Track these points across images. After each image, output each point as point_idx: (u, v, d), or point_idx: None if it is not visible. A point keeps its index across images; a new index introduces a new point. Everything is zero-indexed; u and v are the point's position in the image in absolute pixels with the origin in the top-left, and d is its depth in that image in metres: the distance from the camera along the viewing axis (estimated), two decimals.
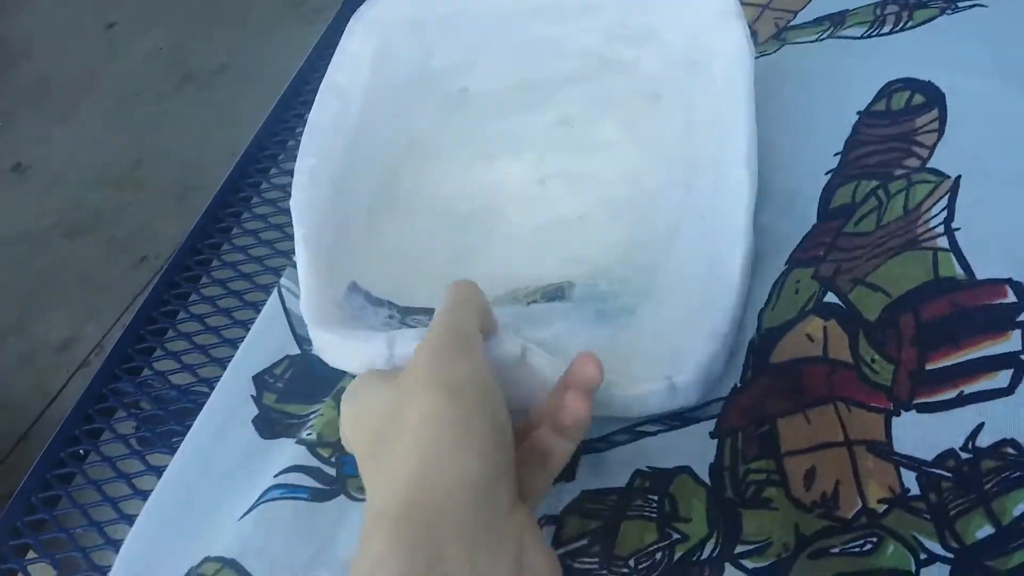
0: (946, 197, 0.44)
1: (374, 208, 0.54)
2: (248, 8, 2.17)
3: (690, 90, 0.52)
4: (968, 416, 0.37)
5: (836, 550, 0.37)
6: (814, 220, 0.48)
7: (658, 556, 0.40)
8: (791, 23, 0.56)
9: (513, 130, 0.57)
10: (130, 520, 0.72)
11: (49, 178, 2.04)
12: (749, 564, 0.38)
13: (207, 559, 0.46)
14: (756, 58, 0.50)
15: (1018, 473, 0.36)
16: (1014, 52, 0.48)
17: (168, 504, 0.53)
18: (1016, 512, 0.35)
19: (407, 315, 0.49)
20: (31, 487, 0.80)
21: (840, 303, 0.43)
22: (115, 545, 0.73)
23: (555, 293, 0.50)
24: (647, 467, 0.42)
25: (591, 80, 0.56)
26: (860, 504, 0.38)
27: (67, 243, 1.83)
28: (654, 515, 0.41)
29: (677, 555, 0.39)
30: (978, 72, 0.48)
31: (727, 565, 0.38)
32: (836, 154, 0.49)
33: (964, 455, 0.37)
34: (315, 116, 0.53)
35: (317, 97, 0.52)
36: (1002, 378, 0.38)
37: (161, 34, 2.27)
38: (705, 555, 0.39)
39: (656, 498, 0.41)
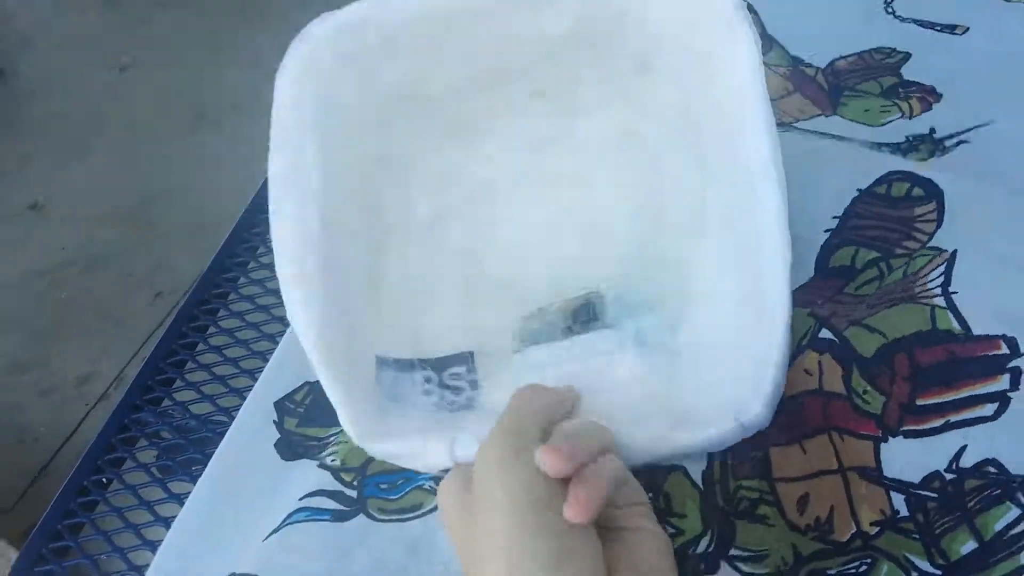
0: (943, 265, 0.46)
1: (372, 251, 0.50)
2: (259, 50, 2.22)
3: (685, 67, 0.48)
4: (952, 439, 0.39)
5: (833, 572, 0.39)
6: (811, 273, 0.49)
7: None
8: (794, 124, 0.60)
9: (484, 108, 0.52)
10: (152, 546, 0.75)
11: (65, 215, 2.08)
12: (745, 568, 0.39)
13: (232, 575, 0.48)
14: None
15: (999, 490, 0.37)
16: (1001, 167, 0.52)
17: (194, 525, 0.56)
18: (997, 527, 0.37)
19: (442, 371, 0.47)
20: (56, 515, 0.82)
21: (835, 339, 0.44)
22: (138, 571, 0.75)
23: (586, 312, 0.48)
24: (642, 464, 0.43)
25: (564, 56, 0.51)
26: (854, 528, 0.39)
27: (83, 279, 1.86)
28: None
29: (674, 546, 0.40)
30: (970, 176, 0.52)
31: (722, 563, 0.40)
32: (835, 217, 0.52)
33: (948, 476, 0.38)
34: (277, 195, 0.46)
35: (271, 157, 0.45)
36: (987, 409, 0.40)
37: (174, 74, 2.32)
38: (701, 549, 0.40)
39: (651, 494, 0.42)
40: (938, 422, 0.40)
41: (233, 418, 0.64)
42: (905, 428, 0.41)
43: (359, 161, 0.49)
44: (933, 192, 0.51)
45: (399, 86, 0.50)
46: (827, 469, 0.41)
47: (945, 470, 0.39)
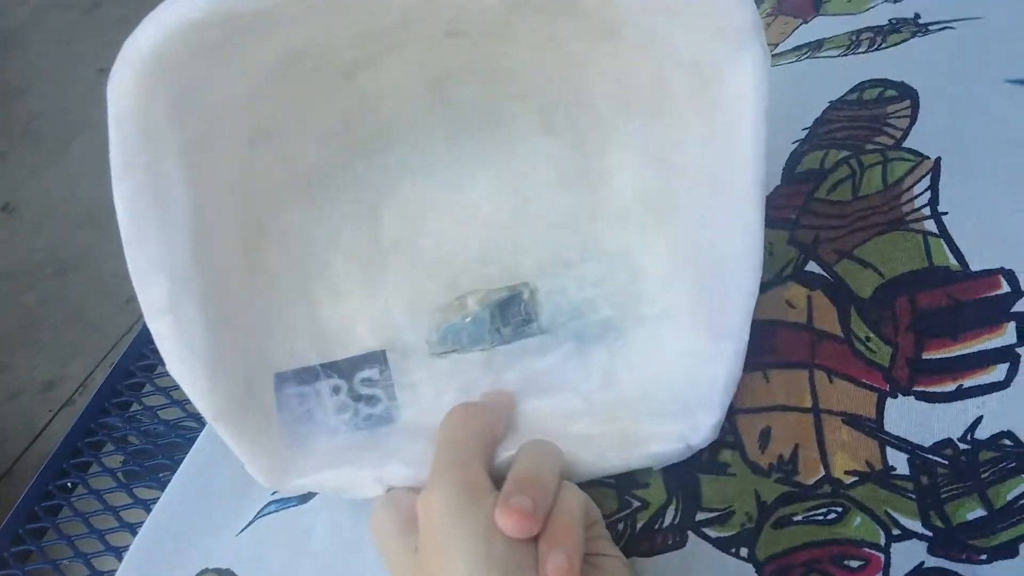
0: (927, 177, 0.43)
1: (250, 249, 0.41)
2: None
3: (660, 41, 0.38)
4: (968, 408, 0.37)
5: (799, 518, 0.37)
6: (778, 182, 0.46)
7: (620, 527, 0.39)
8: (772, 53, 0.57)
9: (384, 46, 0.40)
10: (117, 552, 0.74)
11: (38, 218, 2.06)
12: (712, 533, 0.38)
13: (205, 571, 0.47)
14: None
15: (1015, 463, 0.36)
16: (982, 60, 0.49)
17: (165, 525, 0.55)
18: (1010, 496, 0.36)
19: (352, 376, 0.42)
20: (19, 518, 0.81)
21: (825, 274, 0.42)
22: None
23: (516, 308, 0.43)
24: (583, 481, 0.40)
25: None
26: (823, 472, 0.38)
27: (54, 282, 1.84)
28: (612, 480, 0.40)
29: (640, 524, 0.39)
30: (949, 76, 0.48)
31: (689, 533, 0.38)
32: (804, 128, 0.49)
33: (963, 446, 0.37)
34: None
35: (116, 184, 0.35)
36: (999, 372, 0.38)
37: None
38: (667, 523, 0.38)
39: None
40: (951, 386, 0.38)
41: (203, 424, 0.64)
42: (916, 389, 0.38)
43: (231, 154, 0.40)
44: (907, 92, 0.48)
45: (278, 60, 0.38)
46: (794, 406, 0.39)
47: (959, 439, 0.37)
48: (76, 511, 0.79)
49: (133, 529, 0.75)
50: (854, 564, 0.36)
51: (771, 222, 0.42)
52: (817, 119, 0.49)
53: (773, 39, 0.58)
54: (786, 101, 0.52)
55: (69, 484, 0.82)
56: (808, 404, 0.39)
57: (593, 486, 0.39)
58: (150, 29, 0.33)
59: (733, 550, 0.37)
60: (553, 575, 0.31)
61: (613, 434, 0.39)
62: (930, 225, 0.41)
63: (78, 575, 0.77)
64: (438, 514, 0.32)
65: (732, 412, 0.39)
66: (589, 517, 0.36)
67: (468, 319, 0.43)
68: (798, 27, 0.58)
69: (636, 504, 0.39)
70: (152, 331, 0.36)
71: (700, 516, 0.38)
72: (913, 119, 0.46)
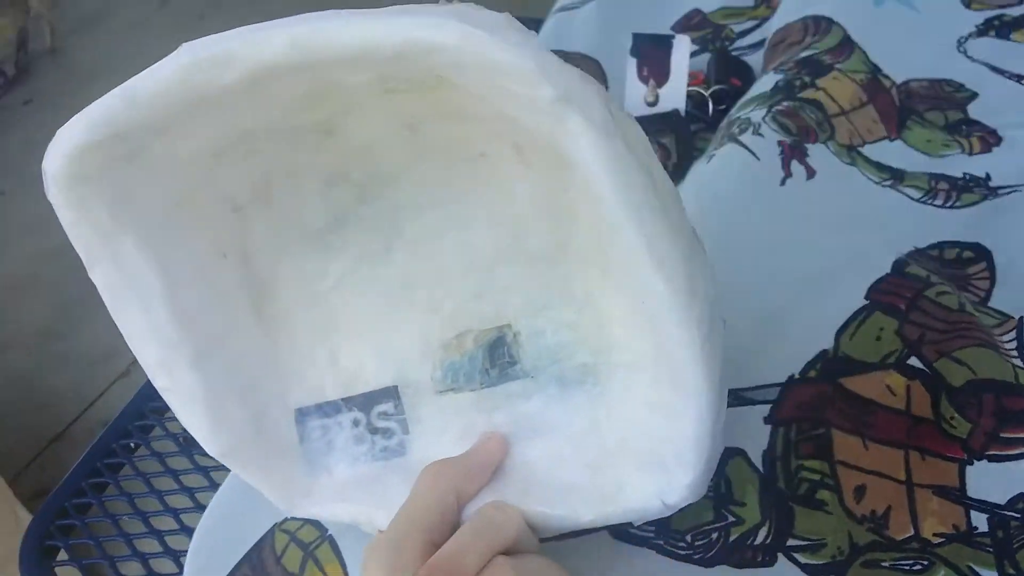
0: (1013, 332, 0.49)
1: (254, 296, 0.43)
2: None
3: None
4: None
5: (887, 564, 0.41)
6: (887, 270, 0.51)
7: (714, 536, 0.42)
8: (861, 147, 0.61)
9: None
10: (175, 512, 0.76)
11: None
12: (801, 559, 0.41)
13: (289, 519, 0.49)
14: (831, 151, 0.56)
15: None
16: None
17: (240, 482, 0.57)
18: None
19: (370, 410, 0.44)
20: (81, 473, 0.83)
21: (925, 368, 0.46)
22: (157, 534, 0.76)
23: (501, 351, 0.44)
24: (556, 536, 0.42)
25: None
26: (912, 532, 0.42)
27: None
28: (711, 494, 0.43)
29: (732, 537, 0.42)
30: (1018, 237, 0.54)
31: (780, 555, 0.41)
32: (899, 252, 0.53)
33: None
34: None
35: (91, 274, 0.38)
36: None
37: None
38: (759, 541, 0.42)
39: (712, 478, 0.41)
40: (1020, 449, 0.43)
41: None
42: (989, 453, 0.43)
43: (211, 224, 0.41)
44: (983, 254, 0.54)
45: (231, 139, 0.39)
46: (890, 476, 0.43)
47: None
48: (137, 471, 0.82)
49: (191, 493, 0.76)
50: None
51: (883, 306, 0.49)
52: (908, 253, 0.54)
53: (860, 131, 0.62)
54: (879, 224, 0.56)
55: (132, 444, 0.84)
56: (902, 477, 0.43)
57: None
58: (53, 153, 0.35)
59: None
60: None
61: (596, 487, 0.39)
62: (1019, 363, 0.47)
63: (135, 531, 0.79)
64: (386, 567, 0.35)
65: (834, 461, 0.44)
66: (525, 543, 0.37)
67: (464, 357, 0.44)
68: (882, 138, 0.61)
69: (731, 519, 0.43)
70: (161, 392, 0.39)
71: (792, 542, 0.42)
72: (992, 280, 0.53)
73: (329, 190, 0.42)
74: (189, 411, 0.39)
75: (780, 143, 0.59)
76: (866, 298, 0.50)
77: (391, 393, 0.44)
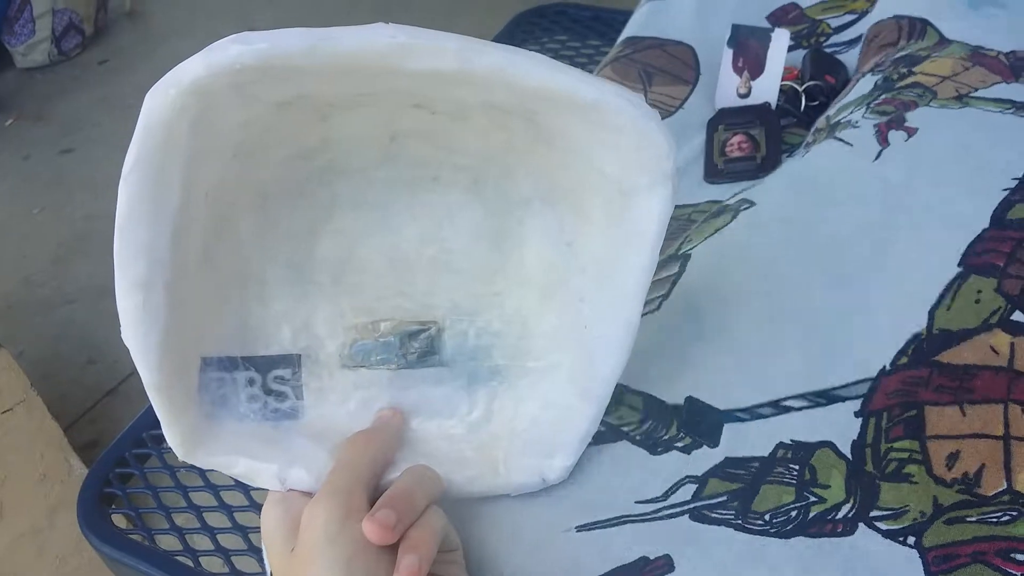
0: None
1: (210, 236, 0.45)
2: None
3: (583, 153, 0.45)
4: None
5: (973, 519, 0.40)
6: (985, 224, 0.50)
7: (793, 514, 0.42)
8: (972, 93, 0.59)
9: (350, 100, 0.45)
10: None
11: None
12: (883, 526, 0.41)
13: None
14: (934, 107, 0.53)
15: None
16: None
17: None
18: None
19: (267, 372, 0.47)
20: (142, 425, 0.84)
21: None
22: (213, 488, 0.77)
23: (424, 342, 0.49)
24: (790, 440, 0.45)
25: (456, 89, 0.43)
26: (1005, 486, 0.41)
27: None
28: (793, 482, 0.43)
29: (812, 514, 0.42)
30: None
31: (860, 524, 0.41)
32: (1014, 179, 0.52)
33: None
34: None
35: (128, 173, 0.40)
36: None
37: None
38: (840, 516, 0.42)
39: (797, 468, 0.44)
40: None
41: None
42: None
43: (215, 165, 0.44)
44: None
45: (278, 100, 0.43)
46: (987, 434, 0.43)
47: None
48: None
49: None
50: (1020, 558, 0.39)
51: (978, 268, 0.48)
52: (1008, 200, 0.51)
53: (972, 83, 0.60)
54: (998, 146, 0.54)
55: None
56: (1000, 432, 0.43)
57: (775, 484, 0.44)
58: (199, 63, 0.38)
59: (900, 539, 0.40)
60: (403, 569, 0.37)
61: (484, 462, 0.46)
62: None
63: (193, 484, 0.79)
64: (316, 530, 0.38)
65: (924, 438, 0.44)
66: (448, 543, 0.42)
67: (379, 341, 0.48)
68: (997, 83, 0.60)
69: (813, 499, 0.43)
70: (120, 306, 0.40)
71: (875, 513, 0.42)
72: None
73: (291, 162, 0.46)
74: (145, 338, 0.41)
75: (876, 125, 0.58)
76: (959, 265, 0.48)
77: (292, 360, 0.47)
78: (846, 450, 0.44)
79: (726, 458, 0.45)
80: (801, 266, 0.52)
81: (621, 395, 0.50)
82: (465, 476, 0.45)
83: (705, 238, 0.57)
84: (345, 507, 0.39)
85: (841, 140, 0.58)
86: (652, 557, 0.42)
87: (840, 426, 0.45)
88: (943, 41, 0.65)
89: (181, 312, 0.42)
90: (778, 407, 0.46)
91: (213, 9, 2.69)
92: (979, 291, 0.47)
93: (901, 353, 0.46)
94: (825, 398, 0.46)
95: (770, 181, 0.60)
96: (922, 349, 0.46)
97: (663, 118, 0.43)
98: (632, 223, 0.44)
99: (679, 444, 0.47)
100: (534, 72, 0.39)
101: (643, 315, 0.45)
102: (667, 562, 0.42)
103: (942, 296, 0.47)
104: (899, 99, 0.59)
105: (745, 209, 0.57)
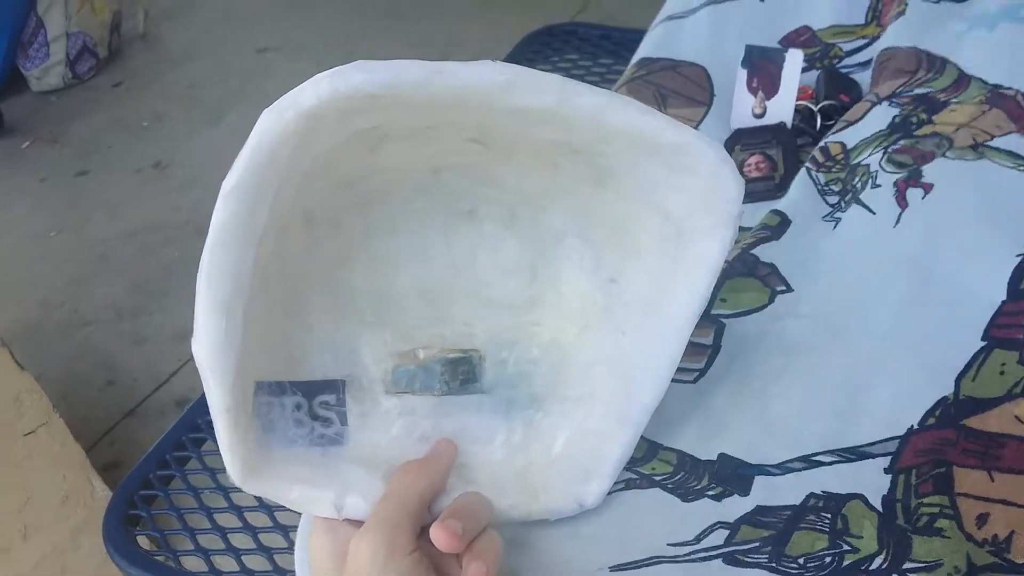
0: None
1: (268, 269, 0.45)
2: (397, 52, 2.28)
3: (643, 192, 0.46)
4: None
5: None
6: (1003, 296, 0.51)
7: (827, 559, 0.43)
8: (988, 143, 0.60)
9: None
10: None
11: (185, 178, 2.16)
12: None
13: None
14: (951, 159, 0.55)
15: None
16: None
17: None
18: None
19: (312, 397, 0.47)
20: (166, 446, 0.85)
21: None
22: (238, 510, 0.77)
23: (464, 367, 0.50)
24: (821, 491, 0.46)
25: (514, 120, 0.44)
26: None
27: (194, 241, 1.92)
28: (826, 530, 0.44)
29: (846, 562, 0.43)
30: None
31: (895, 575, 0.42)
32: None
33: None
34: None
35: (229, 191, 0.40)
36: None
37: (309, 58, 2.40)
38: (875, 567, 0.42)
39: (828, 516, 0.45)
40: None
41: None
42: None
43: (291, 189, 0.44)
44: None
45: (357, 129, 0.44)
46: (1015, 502, 0.43)
47: None
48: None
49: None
50: None
51: (1001, 341, 0.50)
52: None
53: (988, 129, 0.61)
54: (1008, 209, 0.55)
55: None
56: None
57: (807, 530, 0.44)
58: (324, 87, 0.39)
59: None
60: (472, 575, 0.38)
61: (523, 488, 0.47)
62: None
63: (216, 505, 0.80)
64: (362, 563, 0.39)
65: (953, 494, 0.44)
66: (502, 571, 0.42)
67: (421, 368, 0.49)
68: (1012, 133, 0.60)
69: (846, 547, 0.43)
70: (200, 325, 0.41)
71: (908, 565, 0.42)
72: None
73: (335, 191, 0.47)
74: (222, 359, 0.41)
75: (896, 183, 0.59)
76: (983, 339, 0.50)
77: (336, 386, 0.47)
78: (877, 503, 0.45)
79: (757, 506, 0.46)
80: (833, 342, 0.54)
81: (656, 451, 0.51)
82: (506, 503, 0.46)
83: (739, 312, 0.57)
84: (391, 542, 0.39)
85: (866, 207, 0.60)
86: None
87: (870, 481, 0.46)
88: (962, 79, 0.65)
89: (247, 337, 0.42)
90: (808, 461, 0.48)
91: (224, 33, 2.71)
92: (1003, 363, 0.49)
93: (929, 414, 0.48)
94: (855, 454, 0.47)
95: (807, 264, 0.60)
96: (949, 413, 0.47)
97: None
98: (687, 263, 0.46)
99: (711, 493, 0.48)
100: (625, 113, 0.41)
101: (680, 383, 0.47)
102: None
103: (968, 366, 0.49)
104: (918, 148, 0.60)
105: (782, 293, 0.58)
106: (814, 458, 0.48)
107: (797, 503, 0.46)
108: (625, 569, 0.45)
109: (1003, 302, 0.51)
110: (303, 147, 0.41)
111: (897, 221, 0.57)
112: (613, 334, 0.49)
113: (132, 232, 2.02)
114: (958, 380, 0.49)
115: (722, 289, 0.58)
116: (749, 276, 0.59)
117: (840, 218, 0.61)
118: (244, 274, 0.41)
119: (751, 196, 0.67)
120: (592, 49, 1.25)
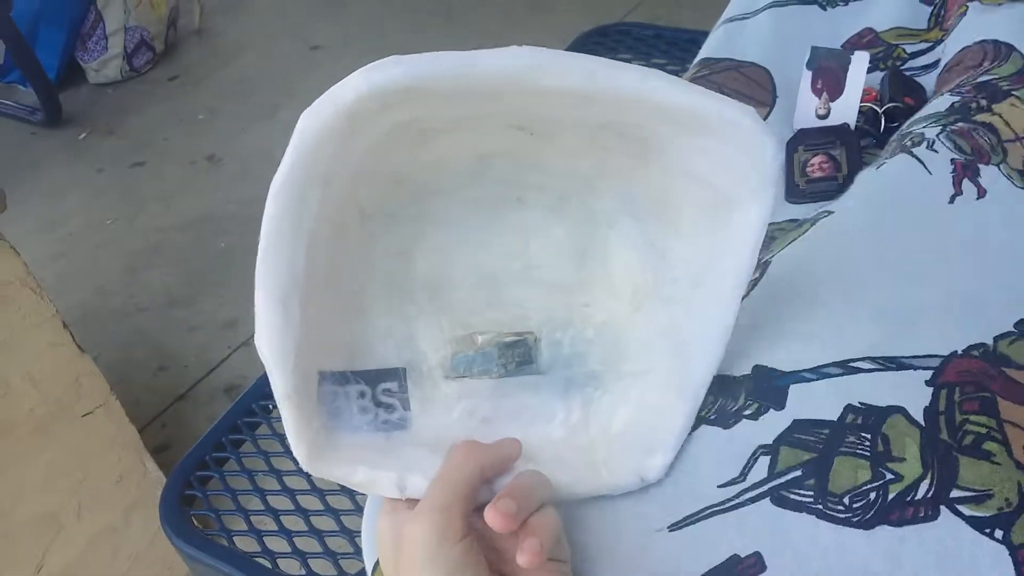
0: None
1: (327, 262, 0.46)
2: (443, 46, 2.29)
3: (688, 171, 0.47)
4: None
5: None
6: None
7: (872, 496, 0.42)
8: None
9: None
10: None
11: (238, 171, 2.19)
12: (966, 511, 0.40)
13: None
14: (1003, 174, 0.54)
15: None
16: None
17: None
18: None
19: (376, 385, 0.48)
20: (221, 430, 0.87)
21: None
22: (290, 492, 0.79)
23: (520, 350, 0.51)
24: (859, 403, 0.45)
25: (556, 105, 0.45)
26: None
27: (247, 231, 1.95)
28: (867, 454, 0.43)
29: (891, 495, 0.41)
30: None
31: (943, 508, 0.40)
32: None
33: None
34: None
35: (277, 193, 0.42)
36: None
37: (358, 56, 2.42)
38: (920, 496, 0.41)
39: (869, 436, 0.43)
40: None
41: None
42: None
43: (340, 185, 0.45)
44: None
45: (398, 122, 0.44)
46: None
47: None
48: (274, 431, 0.85)
49: None
50: None
51: None
52: None
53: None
54: None
55: (271, 406, 0.87)
56: None
57: (848, 456, 0.43)
58: (362, 81, 0.40)
59: (988, 530, 0.40)
60: (526, 551, 0.38)
61: (585, 464, 0.48)
62: None
63: (270, 488, 0.82)
64: (415, 549, 0.40)
65: (1001, 420, 0.43)
66: (560, 552, 0.43)
67: (479, 352, 0.50)
68: None
69: (889, 476, 0.42)
70: (259, 314, 0.42)
71: (956, 493, 0.41)
72: None
73: (387, 185, 0.48)
74: (281, 346, 0.42)
75: (953, 161, 0.58)
76: (1015, 327, 0.48)
77: (398, 374, 0.49)
78: (919, 416, 0.43)
79: (794, 421, 0.45)
80: (879, 266, 0.53)
81: None
82: (569, 478, 0.47)
83: (784, 246, 0.58)
84: (442, 529, 0.40)
85: (919, 160, 0.58)
86: (743, 555, 0.42)
87: (910, 391, 0.44)
88: (1002, 46, 0.65)
89: (306, 327, 0.43)
90: (846, 367, 0.46)
91: (276, 28, 2.74)
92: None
93: (973, 347, 0.46)
94: (895, 364, 0.46)
95: (848, 193, 0.60)
96: (989, 356, 0.46)
97: None
98: (731, 231, 0.46)
99: (747, 412, 0.47)
100: (656, 87, 0.42)
101: None
102: (758, 561, 0.42)
103: (1003, 334, 0.48)
104: (975, 137, 0.59)
105: (824, 217, 0.58)
106: (852, 363, 0.46)
107: (835, 419, 0.44)
108: (682, 527, 0.45)
109: None
110: (346, 144, 0.42)
111: (951, 200, 0.56)
112: (665, 309, 0.50)
113: (185, 223, 2.06)
114: (995, 339, 0.47)
115: (772, 246, 0.59)
116: (798, 228, 0.60)
117: (885, 163, 0.60)
118: (298, 268, 0.42)
119: (814, 196, 0.67)
120: (646, 49, 1.25)
